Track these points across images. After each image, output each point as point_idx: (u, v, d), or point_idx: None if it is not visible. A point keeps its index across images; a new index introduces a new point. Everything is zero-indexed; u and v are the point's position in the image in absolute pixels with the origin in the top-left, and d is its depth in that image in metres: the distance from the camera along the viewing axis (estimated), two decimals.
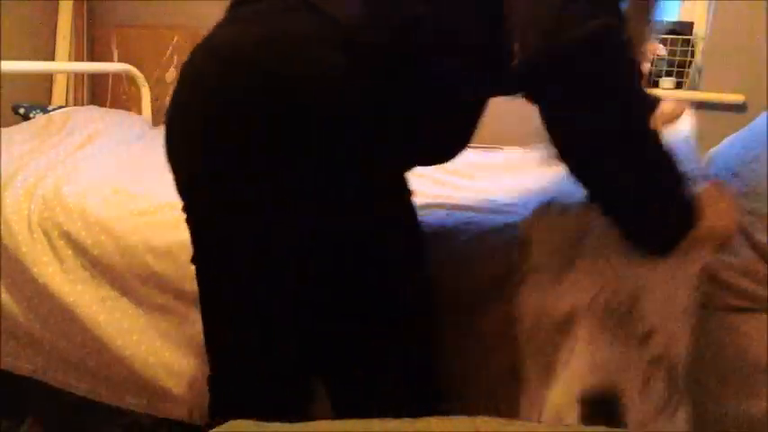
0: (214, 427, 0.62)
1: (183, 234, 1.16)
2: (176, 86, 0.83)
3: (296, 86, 0.74)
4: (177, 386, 1.18)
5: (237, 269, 0.85)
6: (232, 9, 0.86)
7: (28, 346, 1.27)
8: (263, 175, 0.76)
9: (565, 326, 0.89)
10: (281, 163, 0.75)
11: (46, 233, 1.26)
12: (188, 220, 0.89)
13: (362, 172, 0.78)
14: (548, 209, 0.97)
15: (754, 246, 0.96)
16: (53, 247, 1.24)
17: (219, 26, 0.85)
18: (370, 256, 0.79)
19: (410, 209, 0.86)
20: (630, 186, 0.80)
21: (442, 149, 0.89)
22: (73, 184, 1.37)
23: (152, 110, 2.48)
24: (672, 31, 2.31)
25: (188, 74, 0.82)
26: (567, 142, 0.79)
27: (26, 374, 1.31)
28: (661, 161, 0.81)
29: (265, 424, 0.63)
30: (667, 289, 0.85)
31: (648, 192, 0.81)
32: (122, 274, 1.20)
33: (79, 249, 1.23)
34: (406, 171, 0.86)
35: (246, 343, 0.91)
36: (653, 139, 0.80)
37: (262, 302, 0.87)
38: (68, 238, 1.24)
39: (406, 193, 0.87)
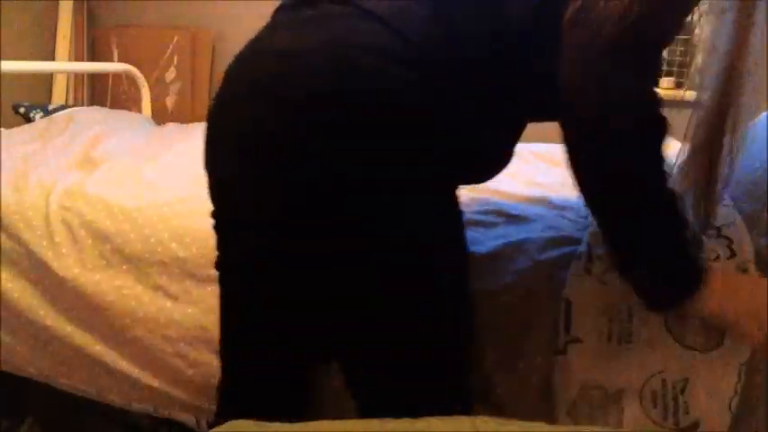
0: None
1: (210, 223, 1.18)
2: (224, 89, 0.81)
3: (362, 100, 0.72)
4: (185, 390, 1.18)
5: (263, 274, 0.85)
6: (286, 11, 0.84)
7: (40, 348, 1.27)
8: (305, 183, 0.74)
9: (613, 400, 0.88)
10: (326, 171, 0.73)
11: (66, 224, 1.26)
12: (216, 226, 0.89)
13: (410, 184, 0.77)
14: (587, 267, 0.95)
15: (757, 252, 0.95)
16: (73, 238, 1.24)
17: (274, 28, 0.82)
18: (406, 260, 0.78)
19: (459, 219, 0.85)
20: (639, 233, 0.81)
21: (488, 167, 0.89)
22: (94, 179, 1.38)
23: (152, 110, 2.49)
24: None
25: (243, 77, 0.79)
26: (584, 178, 0.80)
27: (30, 377, 1.31)
28: (671, 219, 0.81)
29: (266, 424, 0.63)
30: (712, 378, 0.85)
31: (654, 243, 0.81)
32: (144, 262, 1.20)
33: (101, 237, 1.23)
34: (455, 187, 0.85)
35: (263, 349, 0.91)
36: (667, 199, 0.80)
37: (285, 308, 0.87)
38: (90, 227, 1.24)
39: (456, 205, 0.85)
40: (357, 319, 0.81)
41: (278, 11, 0.86)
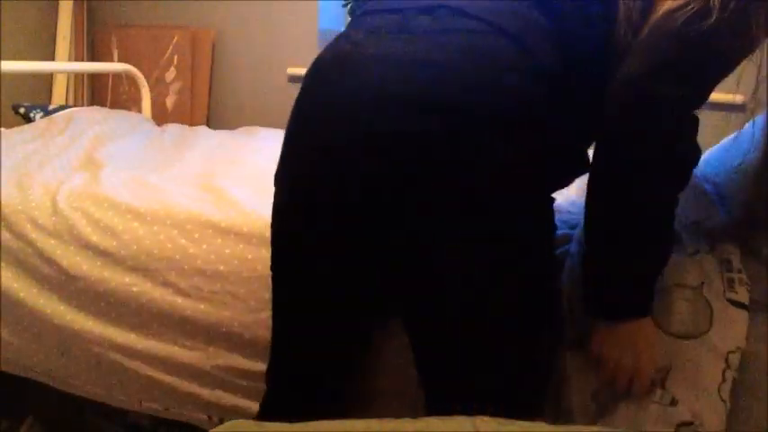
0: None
1: (218, 219, 1.20)
2: (327, 100, 0.80)
3: (505, 114, 0.75)
4: (201, 385, 1.19)
5: (319, 275, 0.86)
6: (390, 16, 0.83)
7: (47, 348, 1.26)
8: (450, 185, 0.76)
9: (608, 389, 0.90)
10: (467, 177, 0.76)
11: (74, 222, 1.26)
12: (287, 226, 0.89)
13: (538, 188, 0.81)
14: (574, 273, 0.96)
15: (751, 249, 0.96)
16: (81, 236, 1.24)
17: (381, 36, 0.81)
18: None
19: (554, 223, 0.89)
20: (631, 242, 0.83)
21: (574, 173, 0.91)
22: (100, 180, 1.39)
23: (152, 110, 2.48)
24: None
25: (360, 88, 0.78)
26: (600, 175, 0.83)
27: (37, 379, 1.31)
28: (662, 239, 0.84)
29: (266, 424, 0.63)
30: (695, 365, 0.87)
31: (640, 257, 0.84)
32: (152, 259, 1.20)
33: (108, 234, 1.23)
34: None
35: (315, 346, 0.92)
36: (668, 219, 0.83)
37: (341, 307, 0.89)
38: (98, 225, 1.25)
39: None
40: (452, 308, 0.82)
41: (373, 14, 0.86)
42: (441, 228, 0.77)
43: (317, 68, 0.84)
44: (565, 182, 0.90)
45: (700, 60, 0.76)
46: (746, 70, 0.85)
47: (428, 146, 0.75)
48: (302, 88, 0.85)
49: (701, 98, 0.80)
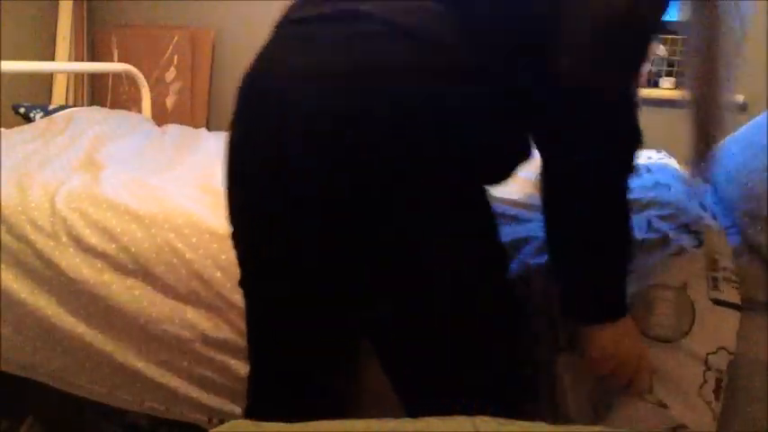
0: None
1: (215, 225, 1.20)
2: (250, 108, 0.81)
3: (407, 120, 0.74)
4: (201, 389, 1.19)
5: (306, 271, 0.86)
6: (314, 25, 0.83)
7: (50, 348, 1.26)
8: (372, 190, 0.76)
9: (602, 387, 0.90)
10: (389, 177, 0.76)
11: (72, 224, 1.25)
12: (235, 245, 0.90)
13: (450, 183, 0.80)
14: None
15: (751, 248, 0.96)
16: (80, 238, 1.24)
17: (307, 43, 0.81)
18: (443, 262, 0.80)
19: (491, 216, 0.88)
20: (590, 241, 0.83)
21: (511, 167, 0.90)
22: (100, 181, 1.38)
23: (152, 110, 2.48)
24: (672, 32, 2.31)
25: (275, 97, 0.79)
26: (549, 162, 0.83)
27: (41, 380, 1.31)
28: (623, 240, 0.84)
29: (265, 424, 0.63)
30: (675, 367, 0.87)
31: (600, 255, 0.84)
32: (151, 262, 1.20)
33: (107, 237, 1.23)
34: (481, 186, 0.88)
35: (303, 342, 0.92)
36: (623, 207, 0.83)
37: (329, 304, 0.88)
38: (96, 226, 1.24)
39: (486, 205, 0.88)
40: (403, 311, 0.82)
41: (298, 22, 0.85)
42: (429, 224, 0.78)
43: (250, 83, 0.87)
44: (501, 175, 0.90)
45: (628, 40, 0.76)
46: (747, 70, 0.86)
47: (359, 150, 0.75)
48: (243, 101, 0.87)
49: (633, 78, 0.81)
